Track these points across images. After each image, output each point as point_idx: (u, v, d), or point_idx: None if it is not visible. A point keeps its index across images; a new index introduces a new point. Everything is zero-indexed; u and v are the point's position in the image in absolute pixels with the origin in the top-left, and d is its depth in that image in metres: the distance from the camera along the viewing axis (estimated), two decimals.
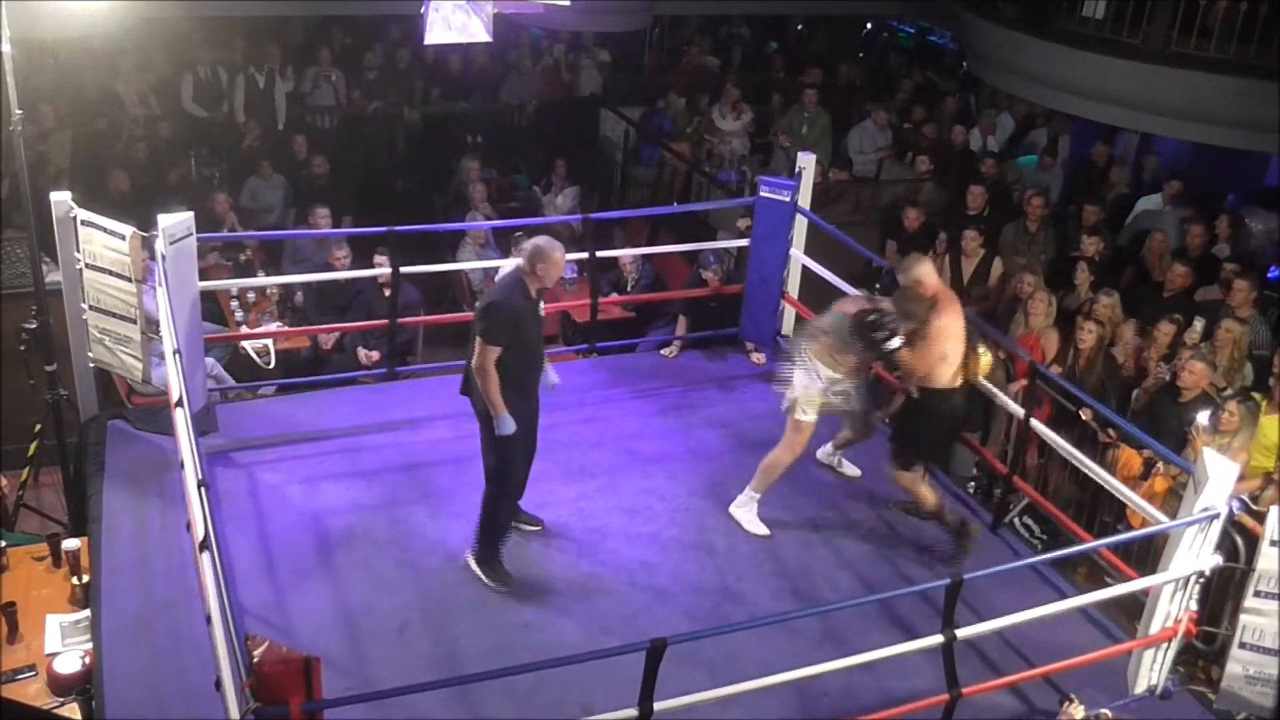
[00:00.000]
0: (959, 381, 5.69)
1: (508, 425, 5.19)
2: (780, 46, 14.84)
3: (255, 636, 3.60)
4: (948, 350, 5.60)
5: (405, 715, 4.29)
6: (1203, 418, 6.41)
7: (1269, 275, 8.67)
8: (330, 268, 8.09)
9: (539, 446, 6.44)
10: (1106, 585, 5.99)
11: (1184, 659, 5.33)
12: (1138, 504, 5.43)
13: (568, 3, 5.83)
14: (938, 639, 4.49)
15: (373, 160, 11.29)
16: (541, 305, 5.37)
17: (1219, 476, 4.67)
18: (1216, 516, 4.72)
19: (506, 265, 8.80)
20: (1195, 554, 4.79)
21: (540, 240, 5.21)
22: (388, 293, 7.52)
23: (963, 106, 12.72)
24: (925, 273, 5.63)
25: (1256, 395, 6.70)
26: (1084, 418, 6.79)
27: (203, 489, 4.42)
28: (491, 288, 5.36)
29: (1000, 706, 4.89)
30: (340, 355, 8.04)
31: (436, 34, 5.58)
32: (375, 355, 7.77)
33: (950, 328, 5.59)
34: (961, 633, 4.53)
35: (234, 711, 3.60)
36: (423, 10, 5.53)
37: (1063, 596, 5.42)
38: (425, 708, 4.30)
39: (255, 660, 3.50)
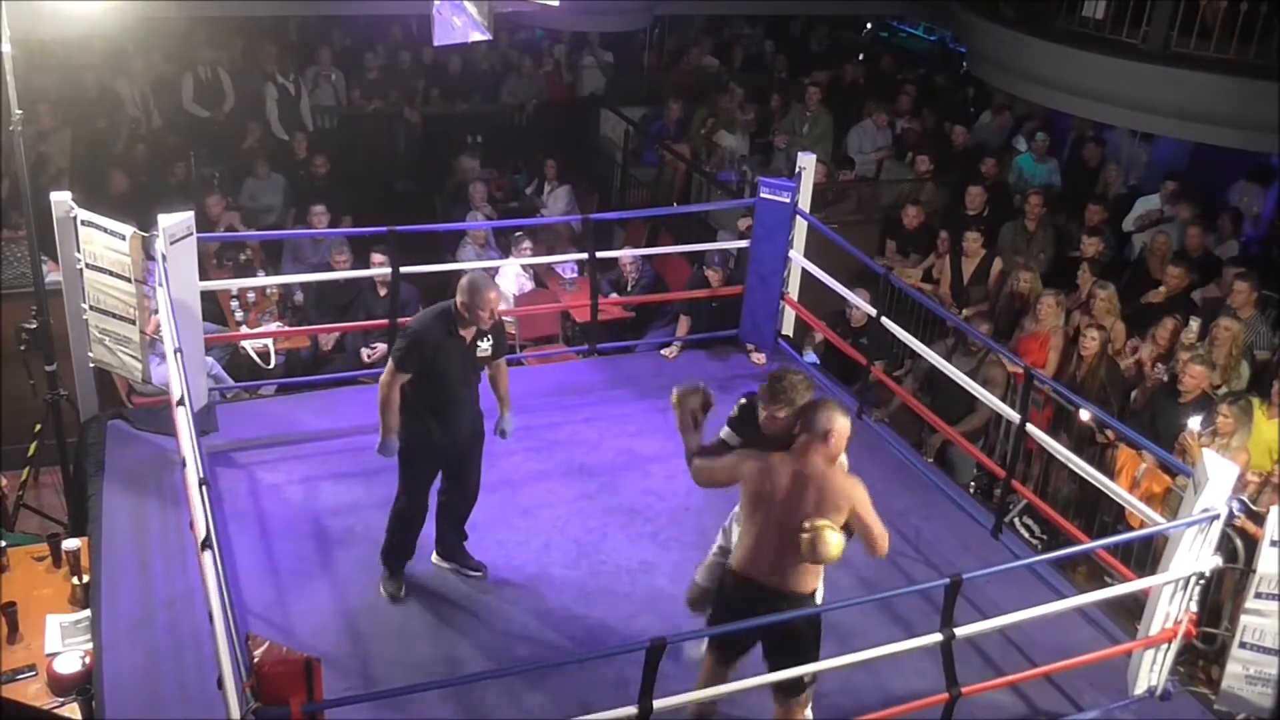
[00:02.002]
0: (749, 570, 4.27)
1: (388, 447, 5.07)
2: (779, 46, 14.85)
3: (256, 636, 3.60)
4: (750, 509, 4.29)
5: (405, 715, 4.29)
6: (1194, 423, 6.41)
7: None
8: (330, 268, 8.09)
9: (537, 446, 6.49)
10: (1106, 585, 6.00)
11: (1184, 659, 5.32)
12: (1135, 506, 5.43)
13: (557, 2, 5.82)
14: (937, 637, 4.49)
15: (373, 160, 11.30)
16: (484, 345, 5.13)
17: (1219, 478, 4.67)
18: (1216, 518, 4.72)
19: (507, 265, 8.89)
20: (1195, 555, 4.79)
21: (474, 276, 5.04)
22: (383, 293, 7.53)
23: (961, 103, 12.74)
24: (840, 425, 4.21)
25: (1254, 399, 6.69)
26: (1082, 419, 6.79)
27: (204, 487, 4.42)
28: (419, 313, 5.24)
29: (1000, 706, 4.89)
30: (340, 355, 8.04)
31: (444, 35, 5.57)
32: (377, 350, 7.77)
33: (762, 486, 4.22)
34: (961, 631, 4.52)
35: (235, 711, 3.60)
36: (433, 12, 5.52)
37: (1062, 597, 5.42)
38: (425, 707, 4.30)
39: (256, 660, 3.50)
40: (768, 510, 4.20)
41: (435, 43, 5.77)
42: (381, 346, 7.80)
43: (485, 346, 5.13)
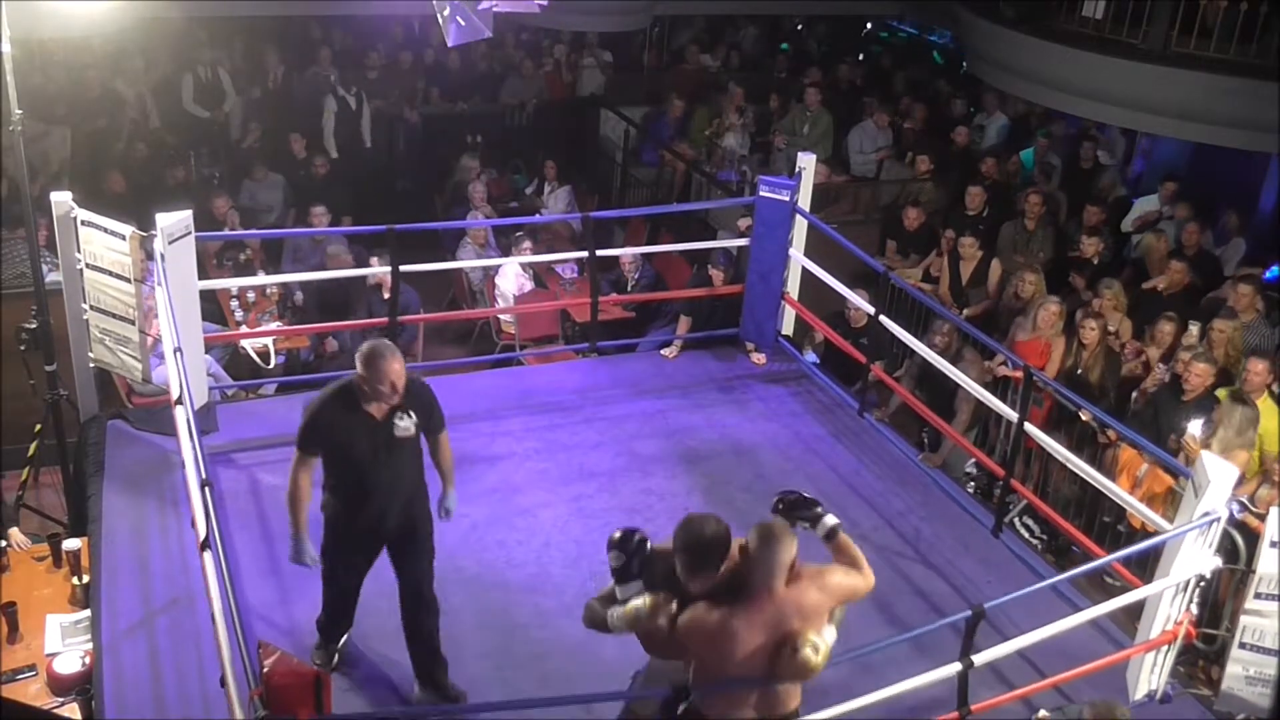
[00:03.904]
0: (731, 712, 3.77)
1: (301, 552, 4.50)
2: (778, 46, 14.85)
3: (267, 645, 3.59)
4: (715, 664, 3.74)
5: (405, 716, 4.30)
6: (1194, 427, 6.39)
7: (1266, 276, 8.67)
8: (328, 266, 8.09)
9: (537, 446, 6.49)
10: (1106, 584, 6.00)
11: (1184, 659, 5.32)
12: (1135, 507, 5.43)
13: (545, 3, 5.82)
14: (955, 668, 4.42)
15: (373, 160, 11.29)
16: (402, 423, 4.42)
17: (1219, 480, 4.65)
18: (1217, 520, 4.70)
19: (507, 265, 8.88)
20: (1195, 557, 4.78)
21: (374, 345, 4.38)
22: (386, 295, 7.54)
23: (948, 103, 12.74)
24: (792, 550, 3.73)
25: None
26: (1083, 418, 6.79)
27: (206, 489, 4.42)
28: (321, 389, 4.59)
29: (1001, 708, 4.86)
30: (341, 356, 8.04)
31: (457, 35, 5.57)
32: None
33: (728, 646, 3.67)
34: (979, 659, 4.43)
35: (238, 711, 3.60)
36: (445, 14, 5.52)
37: (1062, 597, 5.42)
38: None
39: (266, 670, 3.48)
40: (745, 661, 3.70)
41: (450, 44, 5.75)
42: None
43: (405, 425, 4.43)
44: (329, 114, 10.71)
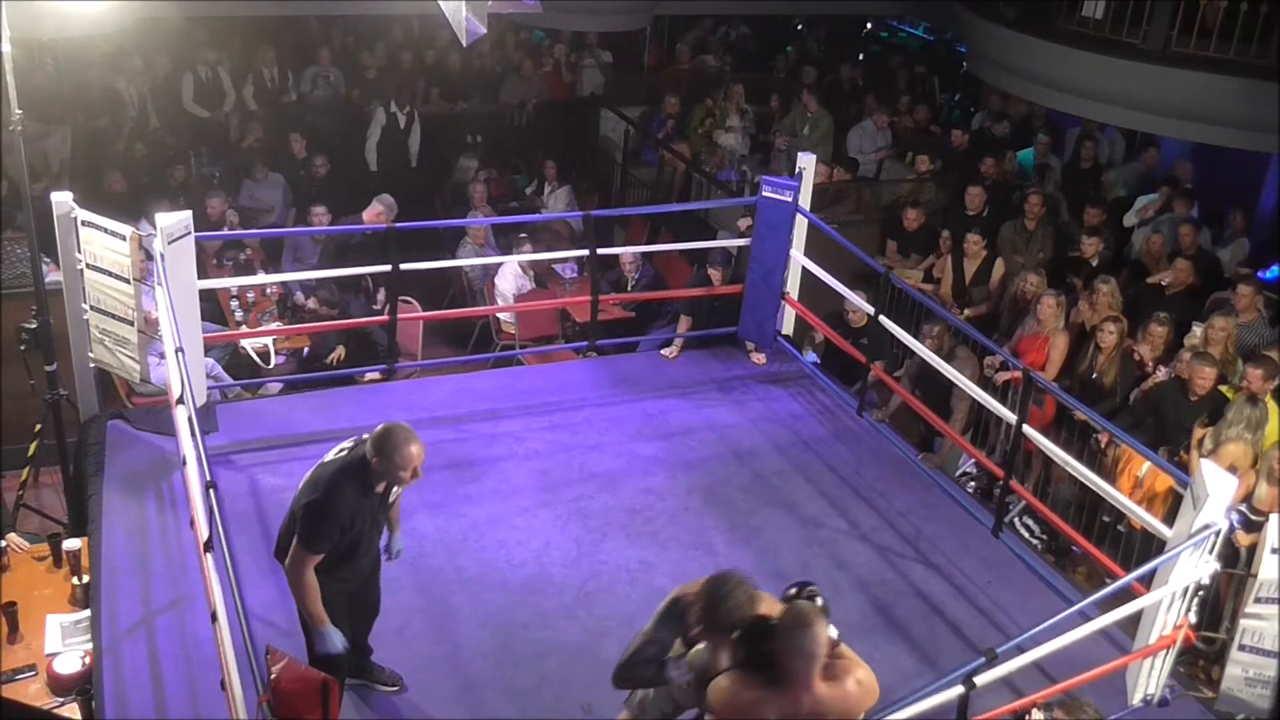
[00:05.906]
0: None
1: (332, 641, 4.22)
2: (777, 46, 14.85)
3: (275, 651, 3.58)
4: None
5: (406, 715, 4.30)
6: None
7: (1264, 276, 8.67)
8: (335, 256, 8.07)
9: (537, 446, 6.50)
10: (1106, 585, 5.99)
11: (1184, 659, 5.32)
12: (1134, 511, 5.42)
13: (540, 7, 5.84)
14: (958, 690, 4.27)
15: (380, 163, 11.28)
16: (396, 489, 4.38)
17: (1217, 492, 4.64)
18: (1217, 532, 4.68)
19: (506, 265, 8.88)
20: (1194, 564, 4.77)
21: (393, 430, 4.19)
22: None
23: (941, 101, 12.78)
24: (819, 640, 3.50)
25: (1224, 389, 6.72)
26: (1079, 419, 6.79)
27: (211, 490, 4.42)
28: (322, 472, 4.27)
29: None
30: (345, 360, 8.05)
31: (464, 32, 5.58)
32: (341, 352, 7.86)
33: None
34: (980, 679, 4.30)
35: (240, 712, 3.60)
36: (459, 16, 5.53)
37: (1062, 598, 5.42)
38: (426, 707, 4.30)
39: (273, 677, 3.48)
40: None
41: (466, 43, 5.76)
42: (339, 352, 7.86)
43: (397, 489, 4.42)
44: (375, 126, 10.72)
